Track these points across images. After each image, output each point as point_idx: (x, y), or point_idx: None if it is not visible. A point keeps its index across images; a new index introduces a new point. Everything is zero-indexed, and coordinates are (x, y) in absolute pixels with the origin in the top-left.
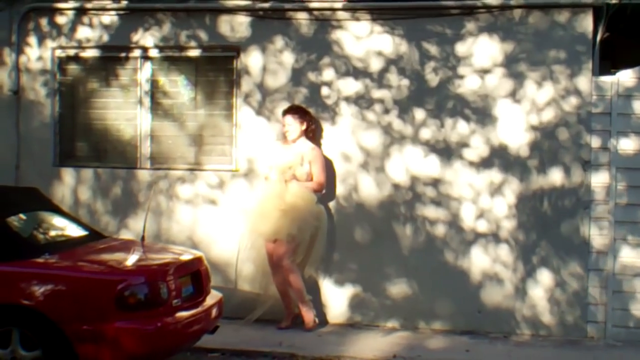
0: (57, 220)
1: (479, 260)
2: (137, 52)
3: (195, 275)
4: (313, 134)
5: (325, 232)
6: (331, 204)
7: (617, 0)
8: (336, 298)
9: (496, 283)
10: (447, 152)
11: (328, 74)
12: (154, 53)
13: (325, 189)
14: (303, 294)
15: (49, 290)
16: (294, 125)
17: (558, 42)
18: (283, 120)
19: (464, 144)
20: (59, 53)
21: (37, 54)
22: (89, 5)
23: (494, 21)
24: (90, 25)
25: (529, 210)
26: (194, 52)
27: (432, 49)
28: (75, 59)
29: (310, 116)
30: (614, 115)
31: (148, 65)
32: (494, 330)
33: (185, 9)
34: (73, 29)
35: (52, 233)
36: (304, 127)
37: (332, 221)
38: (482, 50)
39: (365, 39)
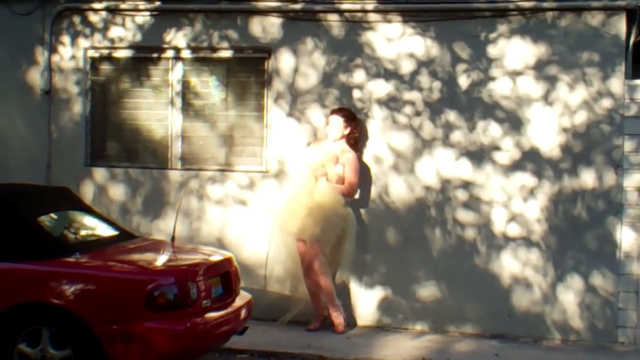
0: (88, 220)
1: (509, 264)
2: (169, 53)
3: (225, 276)
4: (355, 141)
5: (353, 235)
6: (362, 206)
7: None
8: (365, 300)
9: (526, 287)
10: (478, 154)
11: (359, 75)
12: (185, 54)
13: (358, 193)
14: (333, 297)
15: (79, 290)
16: (337, 127)
17: (590, 45)
18: (331, 119)
19: (495, 147)
20: (91, 53)
21: (70, 54)
22: (122, 6)
23: (526, 23)
24: (123, 25)
25: (560, 213)
26: (226, 53)
27: (464, 51)
28: (108, 58)
29: (357, 123)
30: None
31: (180, 66)
32: (524, 335)
33: (217, 10)
34: (106, 29)
35: (83, 233)
36: (347, 131)
37: (363, 224)
38: (514, 53)
39: (396, 41)
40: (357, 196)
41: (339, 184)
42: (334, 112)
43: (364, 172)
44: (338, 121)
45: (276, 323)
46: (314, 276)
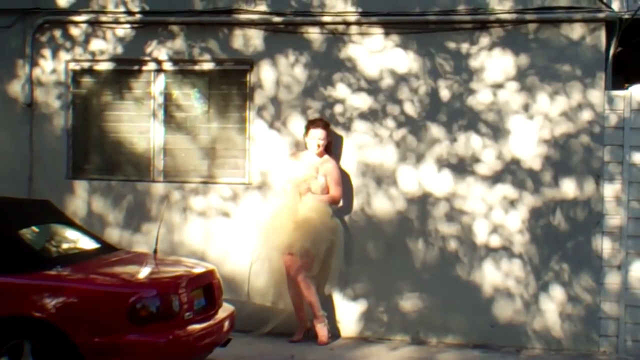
0: (70, 233)
1: (491, 275)
2: (150, 65)
3: (207, 288)
4: (329, 148)
5: (342, 246)
6: (344, 218)
7: (629, 15)
8: (348, 312)
9: (508, 297)
10: (459, 166)
11: (340, 88)
12: (167, 66)
13: (342, 204)
14: (318, 309)
15: (60, 303)
16: (321, 140)
17: (571, 57)
18: (313, 132)
19: (477, 159)
20: (72, 66)
21: (51, 67)
22: (102, 18)
23: (507, 36)
24: (104, 38)
25: (542, 224)
26: (208, 66)
27: (445, 63)
28: (89, 71)
29: (330, 130)
30: (626, 130)
31: (161, 79)
32: (507, 344)
33: (198, 22)
34: (87, 42)
35: (65, 245)
36: (326, 141)
37: (345, 236)
38: (495, 65)
39: (377, 54)
40: (340, 204)
41: (323, 193)
42: (315, 125)
43: (343, 182)
44: (322, 134)
45: (255, 333)
46: (298, 288)
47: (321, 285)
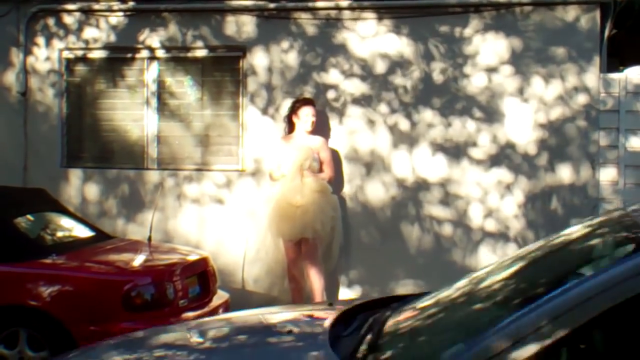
0: (64, 221)
1: (487, 260)
2: (143, 53)
3: (202, 275)
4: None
5: (340, 222)
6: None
7: None
8: (343, 298)
9: None
10: (454, 151)
11: (333, 73)
12: (160, 54)
13: (333, 191)
14: (322, 293)
15: (55, 291)
16: (312, 117)
17: (565, 39)
18: (305, 109)
19: (471, 143)
20: (66, 54)
21: (45, 55)
22: (95, 6)
23: (500, 18)
24: (97, 26)
25: (537, 208)
26: (200, 53)
27: (438, 47)
28: (83, 59)
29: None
30: (622, 113)
31: (155, 66)
32: None
33: (191, 9)
34: (80, 30)
35: (59, 234)
36: (315, 118)
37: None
38: (489, 48)
39: (370, 39)
40: (331, 191)
41: (320, 172)
42: (305, 102)
43: (336, 168)
44: (312, 111)
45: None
46: (307, 272)
47: (325, 265)
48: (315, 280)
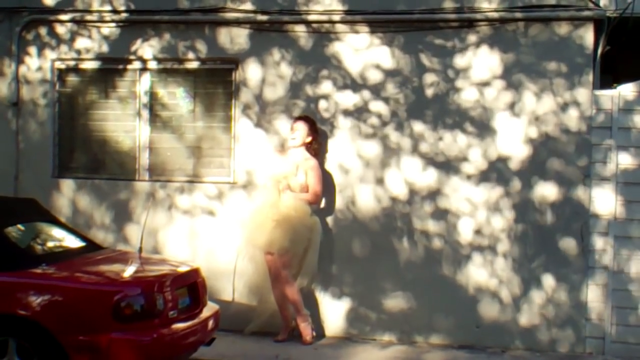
0: (55, 231)
1: (477, 274)
2: (136, 64)
3: (192, 287)
4: (316, 152)
5: (317, 244)
6: (328, 217)
7: (618, 13)
8: (333, 311)
9: (494, 297)
10: (445, 164)
11: (326, 86)
12: (152, 65)
13: (324, 203)
14: (301, 308)
15: (45, 301)
16: (301, 132)
17: (558, 55)
18: (292, 125)
19: (463, 157)
20: (58, 64)
21: (37, 65)
22: (88, 17)
23: (494, 34)
24: (90, 36)
25: (528, 224)
26: (193, 64)
27: (431, 61)
28: (75, 70)
29: (317, 133)
30: (614, 129)
31: (147, 77)
32: (492, 345)
33: (184, 21)
34: (72, 40)
35: (50, 244)
36: (309, 139)
37: (329, 234)
38: (482, 63)
39: (363, 52)
40: (322, 205)
41: (303, 192)
42: (298, 118)
43: (327, 181)
44: (302, 127)
45: (242, 333)
46: (281, 287)
47: (298, 283)
48: (288, 293)
